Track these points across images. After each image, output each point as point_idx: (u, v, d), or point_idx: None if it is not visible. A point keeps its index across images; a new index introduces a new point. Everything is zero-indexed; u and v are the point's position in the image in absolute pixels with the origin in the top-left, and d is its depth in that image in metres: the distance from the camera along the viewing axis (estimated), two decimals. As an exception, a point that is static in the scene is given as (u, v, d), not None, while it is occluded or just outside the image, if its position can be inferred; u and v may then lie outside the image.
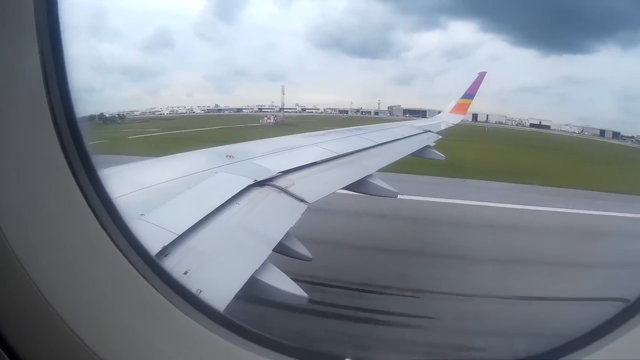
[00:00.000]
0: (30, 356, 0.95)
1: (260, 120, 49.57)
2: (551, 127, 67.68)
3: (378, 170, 4.82)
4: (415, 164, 9.25)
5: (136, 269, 1.09)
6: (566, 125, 66.30)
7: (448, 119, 11.40)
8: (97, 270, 1.03)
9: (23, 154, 0.90)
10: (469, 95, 12.00)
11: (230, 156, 3.38)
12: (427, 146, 7.36)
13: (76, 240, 0.99)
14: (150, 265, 1.18)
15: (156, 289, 1.12)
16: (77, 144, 0.99)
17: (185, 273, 1.71)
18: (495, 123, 70.41)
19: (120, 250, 1.06)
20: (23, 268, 0.88)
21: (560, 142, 45.55)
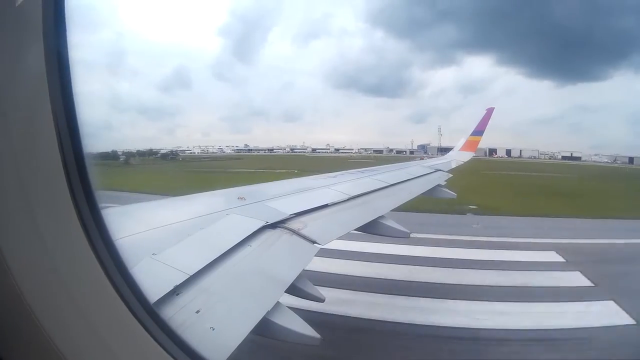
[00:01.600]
0: None
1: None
2: (582, 158, 67.23)
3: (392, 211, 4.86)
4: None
5: (135, 316, 1.11)
6: (595, 155, 65.77)
7: (458, 156, 11.43)
8: (97, 313, 1.04)
9: (29, 187, 0.94)
10: (478, 132, 12.07)
11: (242, 198, 3.45)
12: (439, 185, 7.36)
13: (78, 282, 1.02)
14: (149, 313, 1.19)
15: (154, 338, 1.13)
16: (84, 183, 1.03)
17: (197, 312, 1.72)
18: (530, 157, 70.19)
19: (121, 296, 1.09)
20: (17, 285, 0.91)
21: (607, 173, 46.15)
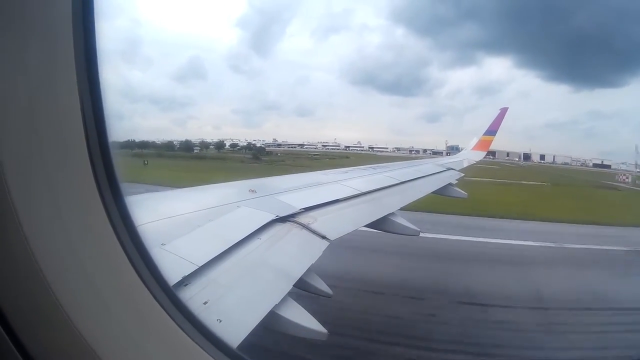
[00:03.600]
0: None
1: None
2: (612, 167, 66.28)
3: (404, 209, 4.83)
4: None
5: (155, 298, 1.11)
6: (623, 163, 64.88)
7: (470, 156, 11.33)
8: (117, 294, 1.04)
9: (53, 171, 0.94)
10: (491, 132, 11.96)
11: (252, 191, 3.44)
12: (450, 184, 7.29)
13: (97, 259, 1.02)
14: (169, 295, 1.20)
15: (172, 319, 1.13)
16: (108, 169, 1.03)
17: (205, 303, 1.71)
18: (562, 164, 69.33)
19: (141, 277, 1.09)
20: (46, 280, 0.91)
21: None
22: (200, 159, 52.58)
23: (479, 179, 27.88)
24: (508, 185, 33.29)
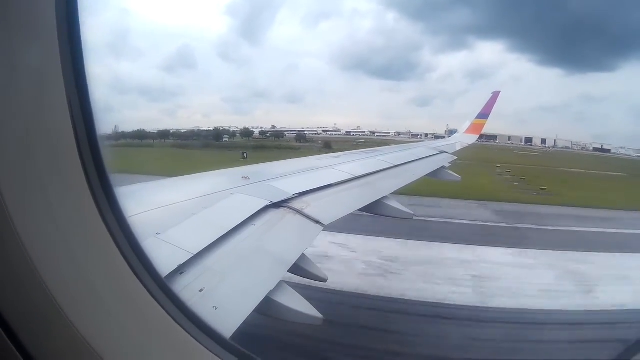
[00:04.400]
0: None
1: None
2: (611, 151, 66.31)
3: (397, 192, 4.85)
4: None
5: (147, 289, 1.12)
6: (622, 148, 64.86)
7: (463, 139, 11.36)
8: (109, 287, 1.05)
9: (43, 168, 0.93)
10: (484, 115, 11.97)
11: (246, 177, 3.43)
12: (443, 167, 7.32)
13: (88, 253, 1.02)
14: (161, 287, 1.20)
15: (165, 310, 1.15)
16: (97, 161, 1.02)
17: (201, 291, 1.72)
18: (563, 148, 68.95)
19: (132, 269, 1.09)
20: (41, 278, 0.91)
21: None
22: (262, 148, 44.66)
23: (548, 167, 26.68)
24: (589, 177, 31.51)
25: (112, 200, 1.06)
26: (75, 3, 0.97)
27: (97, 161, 1.02)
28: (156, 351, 1.12)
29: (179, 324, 1.15)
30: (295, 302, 2.11)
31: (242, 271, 2.12)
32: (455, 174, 7.40)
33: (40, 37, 0.91)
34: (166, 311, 1.14)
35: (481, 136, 12.62)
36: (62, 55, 0.93)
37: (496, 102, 11.99)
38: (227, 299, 1.80)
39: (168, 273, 1.69)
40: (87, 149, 0.99)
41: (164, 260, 1.77)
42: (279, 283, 2.10)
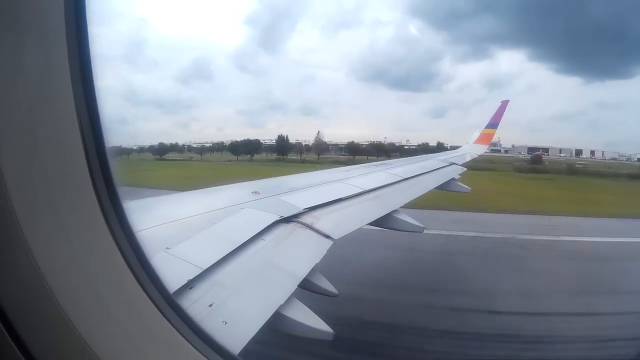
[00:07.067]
0: None
1: None
2: None
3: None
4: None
5: (153, 301, 1.13)
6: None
7: (473, 150, 11.27)
8: (114, 296, 1.06)
9: (52, 177, 0.95)
10: (493, 125, 11.88)
11: (256, 192, 3.46)
12: (452, 179, 7.27)
13: (97, 263, 1.03)
14: (166, 298, 1.21)
15: (170, 322, 1.15)
16: (105, 175, 1.04)
17: (210, 306, 1.72)
18: (610, 159, 65.38)
19: (139, 281, 1.10)
20: (47, 284, 0.92)
21: None
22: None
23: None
24: None
25: (119, 212, 1.08)
26: (83, 11, 0.99)
27: (104, 172, 1.04)
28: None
29: (183, 335, 1.15)
30: (306, 317, 2.09)
31: (251, 286, 2.11)
32: (465, 186, 7.35)
33: (48, 44, 0.93)
34: (171, 323, 1.14)
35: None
36: (71, 63, 0.94)
37: (505, 111, 11.91)
38: (237, 314, 1.79)
39: (178, 288, 1.70)
40: (96, 160, 1.01)
41: (174, 274, 1.78)
42: (289, 298, 2.09)
